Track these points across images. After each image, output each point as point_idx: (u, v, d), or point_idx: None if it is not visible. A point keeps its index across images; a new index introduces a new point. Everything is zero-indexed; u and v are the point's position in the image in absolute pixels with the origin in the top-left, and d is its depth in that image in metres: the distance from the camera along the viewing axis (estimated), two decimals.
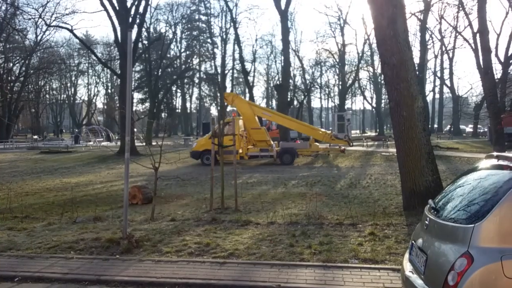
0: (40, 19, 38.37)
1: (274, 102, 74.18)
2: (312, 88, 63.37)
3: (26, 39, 50.65)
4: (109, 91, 78.67)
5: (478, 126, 54.91)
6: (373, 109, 69.78)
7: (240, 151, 21.72)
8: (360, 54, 54.80)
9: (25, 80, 53.95)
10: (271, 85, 71.96)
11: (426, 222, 3.86)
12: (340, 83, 59.16)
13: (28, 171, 20.18)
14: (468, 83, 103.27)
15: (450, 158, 22.62)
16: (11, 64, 54.29)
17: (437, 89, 65.31)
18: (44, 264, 6.05)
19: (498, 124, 23.19)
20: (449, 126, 63.16)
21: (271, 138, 32.57)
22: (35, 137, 51.42)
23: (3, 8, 44.44)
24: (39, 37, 50.93)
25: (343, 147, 24.82)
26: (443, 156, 23.00)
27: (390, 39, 8.98)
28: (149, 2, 35.71)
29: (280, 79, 40.19)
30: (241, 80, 67.38)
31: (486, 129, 44.89)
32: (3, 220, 9.00)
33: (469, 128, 60.80)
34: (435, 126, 63.08)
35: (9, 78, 53.00)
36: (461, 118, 57.20)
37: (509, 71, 30.34)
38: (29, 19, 43.59)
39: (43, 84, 67.10)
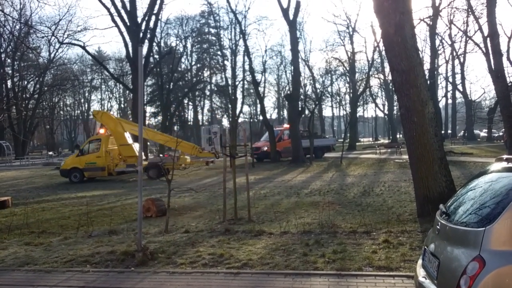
0: (53, 37, 39.22)
1: (285, 112, 74.29)
2: (323, 97, 63.32)
3: (39, 57, 51.62)
4: (122, 105, 79.56)
5: (493, 130, 54.26)
6: (385, 116, 69.36)
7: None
8: (370, 62, 54.43)
9: (40, 97, 54.85)
10: (282, 95, 72.10)
11: (438, 227, 3.86)
12: (351, 91, 58.95)
13: (44, 187, 20.45)
14: (481, 87, 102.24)
15: (464, 164, 22.38)
16: (26, 82, 55.31)
17: (449, 94, 64.89)
18: (61, 278, 6.13)
19: None
20: (463, 131, 62.53)
21: (284, 147, 32.89)
22: (50, 153, 52.06)
23: (17, 27, 45.40)
24: (52, 55, 51.85)
25: (211, 160, 25.42)
26: (457, 162, 22.78)
27: (398, 46, 9.00)
28: (159, 17, 36.27)
29: (291, 88, 40.20)
30: (251, 91, 67.53)
31: (500, 133, 44.33)
32: (20, 235, 9.14)
33: (483, 133, 60.11)
34: (449, 131, 62.52)
35: (24, 95, 53.94)
36: (475, 123, 56.70)
37: None
38: (43, 37, 44.29)
39: (57, 100, 68.10)
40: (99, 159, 22.83)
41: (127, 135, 23.69)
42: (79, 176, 22.80)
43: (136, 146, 24.74)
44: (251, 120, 66.42)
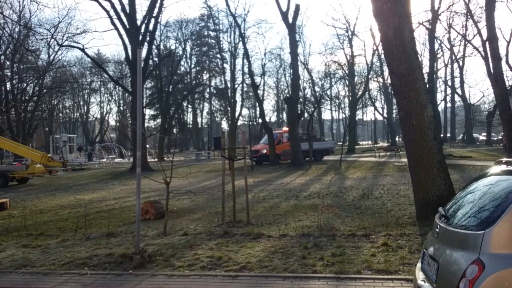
0: (52, 39, 39.00)
1: (284, 115, 74.31)
2: (322, 100, 63.29)
3: (39, 59, 51.44)
4: (121, 108, 79.47)
5: (492, 134, 54.26)
6: (384, 119, 69.42)
7: None
8: (369, 65, 54.45)
9: (39, 100, 54.71)
10: (281, 98, 72.12)
11: (437, 230, 3.85)
12: (350, 94, 58.91)
13: (42, 189, 20.40)
14: (480, 91, 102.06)
15: (464, 167, 22.37)
16: (25, 84, 55.17)
17: (448, 98, 64.83)
18: (58, 280, 6.10)
19: (511, 131, 22.89)
20: (462, 134, 62.53)
21: (283, 150, 32.85)
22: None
23: (17, 29, 45.34)
24: (51, 57, 51.67)
25: (60, 169, 25.59)
26: (456, 165, 22.77)
27: (397, 49, 9.01)
28: (159, 20, 36.23)
29: (290, 91, 40.19)
30: (251, 93, 67.47)
31: (499, 137, 44.32)
32: (18, 237, 9.12)
33: (482, 136, 60.10)
34: (448, 135, 62.43)
35: (23, 98, 53.82)
36: (474, 126, 56.67)
37: None
38: (42, 39, 44.20)
39: (56, 103, 67.92)
40: None
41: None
42: None
43: None
44: (250, 123, 66.48)
